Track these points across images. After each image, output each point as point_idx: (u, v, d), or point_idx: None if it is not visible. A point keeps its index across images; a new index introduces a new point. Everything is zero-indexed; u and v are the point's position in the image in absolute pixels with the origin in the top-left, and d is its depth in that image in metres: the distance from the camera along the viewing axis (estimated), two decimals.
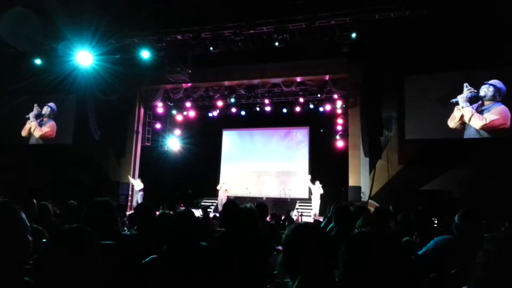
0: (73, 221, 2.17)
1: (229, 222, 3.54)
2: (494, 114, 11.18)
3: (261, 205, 4.82)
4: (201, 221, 5.36)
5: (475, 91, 11.44)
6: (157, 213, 4.42)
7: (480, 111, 11.33)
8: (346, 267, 1.51)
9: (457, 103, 11.58)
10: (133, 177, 14.93)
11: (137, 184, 14.33)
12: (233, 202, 3.82)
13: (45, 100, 15.92)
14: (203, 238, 2.87)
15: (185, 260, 2.51)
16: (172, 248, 2.58)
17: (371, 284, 1.44)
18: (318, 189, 13.58)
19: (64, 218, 4.34)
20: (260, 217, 4.64)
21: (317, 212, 13.36)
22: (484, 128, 11.24)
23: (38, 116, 15.99)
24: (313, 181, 13.83)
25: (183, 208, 2.94)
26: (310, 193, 14.39)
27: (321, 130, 16.74)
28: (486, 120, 11.22)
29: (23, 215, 1.59)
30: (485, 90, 11.36)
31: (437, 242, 3.13)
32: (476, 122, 11.32)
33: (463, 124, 11.50)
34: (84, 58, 11.73)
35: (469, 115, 11.40)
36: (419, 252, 3.22)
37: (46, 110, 15.93)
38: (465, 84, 11.52)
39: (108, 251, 2.35)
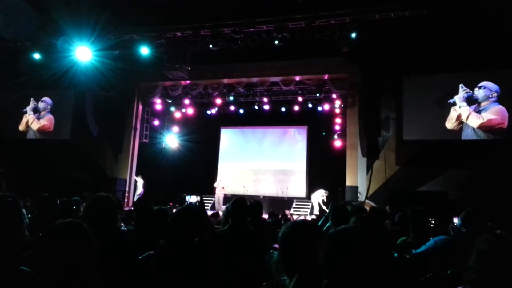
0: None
1: (235, 219, 3.46)
2: (492, 113, 11.23)
3: (255, 203, 4.81)
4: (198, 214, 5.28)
5: (471, 91, 11.49)
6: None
7: (477, 111, 11.38)
8: (324, 266, 1.45)
9: (454, 104, 11.63)
10: (135, 175, 15.02)
11: (140, 182, 14.40)
12: (243, 200, 3.66)
13: (43, 95, 15.89)
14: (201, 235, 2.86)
15: (182, 256, 2.50)
16: (170, 245, 2.58)
17: (348, 284, 1.39)
18: (322, 196, 13.68)
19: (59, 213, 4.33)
20: (255, 214, 4.63)
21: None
22: (482, 127, 11.29)
23: (36, 110, 15.95)
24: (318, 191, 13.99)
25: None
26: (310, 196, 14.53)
27: (323, 134, 16.59)
28: (483, 118, 11.26)
29: (23, 210, 1.59)
30: (477, 92, 11.44)
31: (437, 242, 3.13)
32: (474, 121, 11.36)
33: (460, 124, 11.55)
34: (83, 53, 11.68)
35: (466, 114, 11.45)
36: (417, 251, 3.22)
37: (41, 104, 15.90)
38: (460, 85, 11.58)
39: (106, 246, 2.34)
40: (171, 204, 11.95)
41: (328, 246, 1.44)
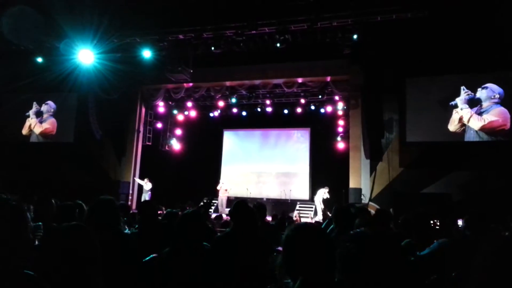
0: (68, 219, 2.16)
1: (237, 221, 3.42)
2: (493, 115, 11.18)
3: (259, 206, 4.81)
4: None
5: (472, 93, 11.45)
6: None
7: (479, 113, 11.34)
8: (342, 267, 1.50)
9: (455, 106, 11.59)
10: (139, 177, 14.98)
11: (146, 185, 14.39)
12: (245, 203, 3.63)
13: (46, 98, 15.91)
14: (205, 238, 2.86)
15: (187, 261, 2.50)
16: (175, 250, 2.57)
17: (366, 285, 1.42)
18: (324, 194, 13.64)
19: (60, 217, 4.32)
20: (259, 217, 4.62)
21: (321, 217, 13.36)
22: (483, 129, 11.24)
23: (38, 114, 15.97)
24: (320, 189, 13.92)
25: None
26: (313, 198, 14.49)
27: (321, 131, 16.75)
28: (485, 121, 11.22)
29: (27, 214, 1.60)
30: (481, 93, 11.40)
31: (441, 244, 3.12)
32: (475, 123, 11.32)
33: (463, 126, 11.50)
34: (86, 56, 11.73)
35: (468, 116, 11.41)
36: (421, 253, 3.21)
37: (44, 107, 15.93)
38: (462, 87, 11.54)
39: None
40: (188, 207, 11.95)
41: (346, 247, 1.48)
